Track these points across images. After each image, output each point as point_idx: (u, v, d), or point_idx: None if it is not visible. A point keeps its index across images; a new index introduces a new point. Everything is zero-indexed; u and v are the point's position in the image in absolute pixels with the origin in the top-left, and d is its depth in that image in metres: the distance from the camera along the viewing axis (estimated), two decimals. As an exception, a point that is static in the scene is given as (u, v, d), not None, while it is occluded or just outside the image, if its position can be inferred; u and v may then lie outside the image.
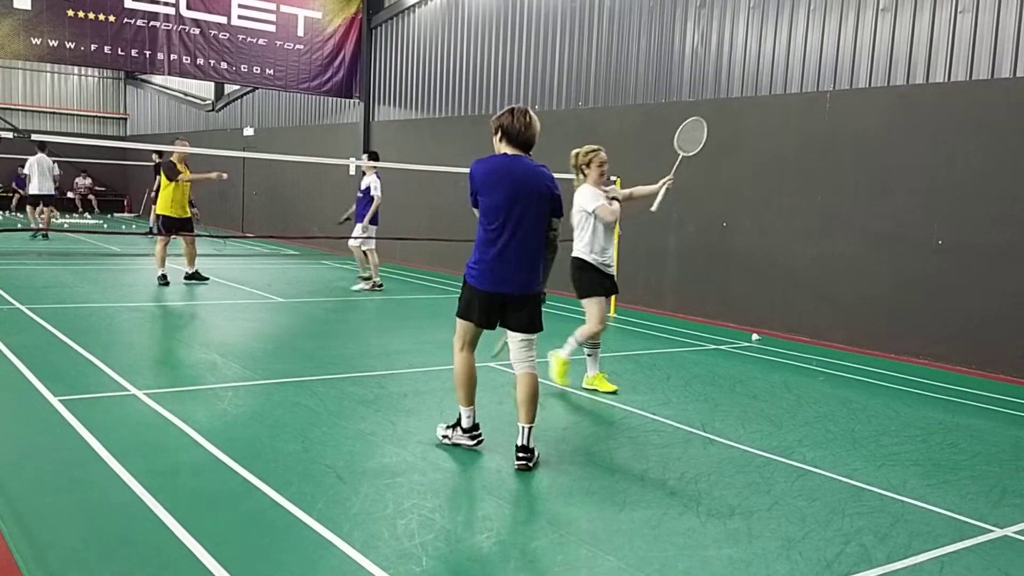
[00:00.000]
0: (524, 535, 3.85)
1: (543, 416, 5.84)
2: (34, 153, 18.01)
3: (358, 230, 12.20)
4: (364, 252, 12.34)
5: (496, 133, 4.87)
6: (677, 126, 7.41)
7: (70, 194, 27.26)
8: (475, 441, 5.05)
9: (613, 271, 6.71)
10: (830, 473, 4.96)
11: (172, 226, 11.85)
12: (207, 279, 12.28)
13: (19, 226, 20.94)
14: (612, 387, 6.69)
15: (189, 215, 12.17)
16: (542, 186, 4.80)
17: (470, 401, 5.00)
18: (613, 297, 11.41)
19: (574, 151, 6.59)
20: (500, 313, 4.89)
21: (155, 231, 12.39)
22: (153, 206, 12.78)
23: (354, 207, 12.47)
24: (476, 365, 5.02)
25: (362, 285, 12.41)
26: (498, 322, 4.94)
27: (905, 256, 9.05)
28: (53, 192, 18.01)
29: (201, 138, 24.85)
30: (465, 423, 5.04)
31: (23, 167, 17.88)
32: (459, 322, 4.95)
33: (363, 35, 17.90)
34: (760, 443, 5.50)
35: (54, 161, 18.42)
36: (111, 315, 9.20)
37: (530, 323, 4.89)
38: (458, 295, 4.99)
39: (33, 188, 17.64)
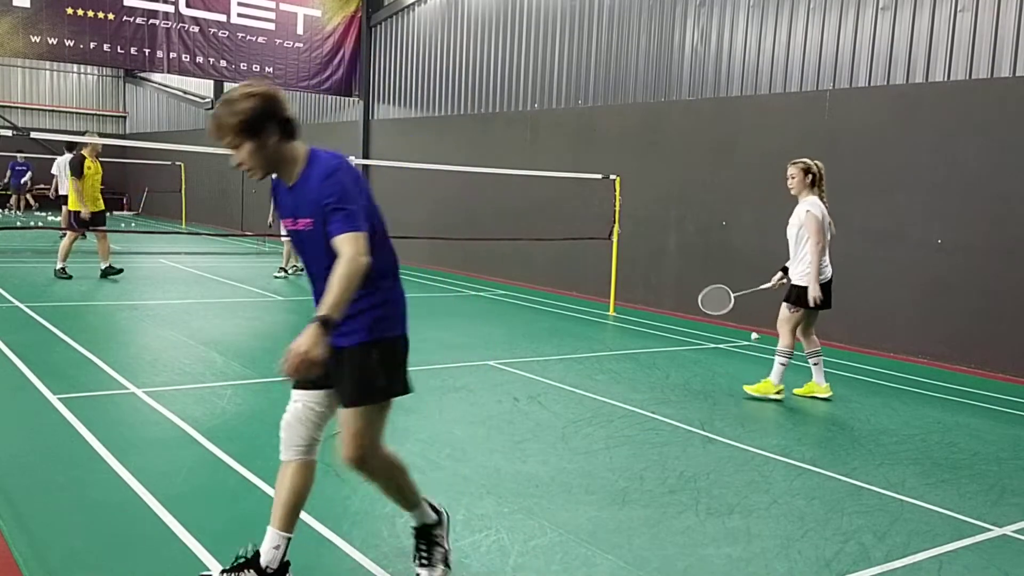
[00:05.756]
0: (523, 533, 3.85)
1: (541, 415, 5.84)
2: (61, 153, 17.93)
3: None
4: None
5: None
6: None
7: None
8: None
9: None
10: (829, 472, 4.96)
11: (84, 222, 11.66)
12: (121, 270, 12.08)
13: (18, 224, 20.93)
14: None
15: (100, 208, 11.93)
16: None
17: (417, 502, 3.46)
18: (613, 296, 11.53)
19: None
20: None
21: (70, 227, 11.99)
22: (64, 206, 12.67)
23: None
24: None
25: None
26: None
27: (905, 256, 9.05)
28: None
29: (200, 136, 24.86)
30: (431, 520, 3.47)
31: (51, 167, 18.02)
32: (384, 408, 3.25)
33: (362, 33, 17.88)
34: (759, 442, 5.50)
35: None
36: (110, 313, 9.19)
37: None
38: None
39: (63, 189, 17.59)
